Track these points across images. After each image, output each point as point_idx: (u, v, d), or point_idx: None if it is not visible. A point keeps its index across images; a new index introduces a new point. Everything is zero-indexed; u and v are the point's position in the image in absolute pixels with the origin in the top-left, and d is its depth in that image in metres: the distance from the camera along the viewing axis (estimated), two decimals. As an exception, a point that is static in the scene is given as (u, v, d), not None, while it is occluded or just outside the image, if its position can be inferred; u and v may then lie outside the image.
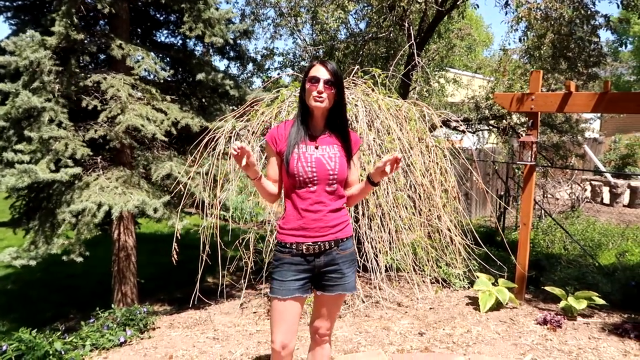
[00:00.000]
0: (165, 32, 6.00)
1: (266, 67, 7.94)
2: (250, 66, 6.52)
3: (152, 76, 5.23)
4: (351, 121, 4.25)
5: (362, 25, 8.01)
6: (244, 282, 4.65)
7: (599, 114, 10.90)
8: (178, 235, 4.32)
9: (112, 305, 4.73)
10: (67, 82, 4.65)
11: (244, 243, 4.70)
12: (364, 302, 4.59)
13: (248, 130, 4.34)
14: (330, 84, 2.12)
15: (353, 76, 4.79)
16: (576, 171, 11.48)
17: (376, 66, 6.16)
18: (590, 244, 8.44)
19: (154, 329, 4.35)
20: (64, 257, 4.75)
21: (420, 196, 4.74)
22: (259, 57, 7.73)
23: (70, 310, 6.57)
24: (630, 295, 4.64)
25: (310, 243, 2.17)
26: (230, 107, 5.60)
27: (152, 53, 5.06)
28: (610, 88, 4.19)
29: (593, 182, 13.36)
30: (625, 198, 12.68)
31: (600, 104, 4.15)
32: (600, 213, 11.64)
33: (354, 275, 2.32)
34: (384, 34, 7.11)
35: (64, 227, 4.73)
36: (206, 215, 4.59)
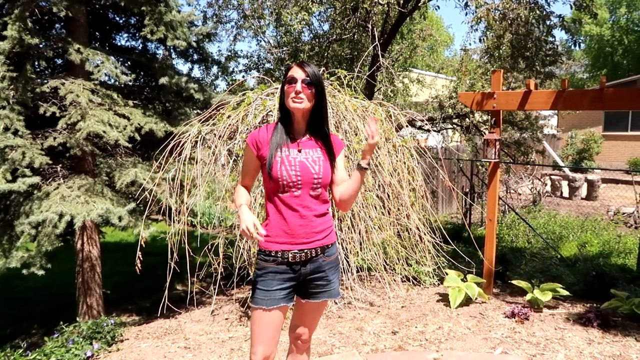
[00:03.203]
0: (125, 35, 5.84)
1: (231, 69, 7.85)
2: (214, 69, 6.43)
3: (113, 81, 5.08)
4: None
5: (326, 27, 8.03)
6: (215, 289, 4.57)
7: (555, 111, 11.30)
8: (143, 243, 4.21)
9: (77, 319, 4.56)
10: (22, 88, 4.46)
11: (213, 249, 4.63)
12: (336, 303, 4.59)
13: (214, 135, 4.27)
14: (308, 84, 2.09)
15: (319, 78, 4.79)
16: (537, 166, 11.83)
17: (341, 67, 6.18)
18: (552, 237, 8.72)
19: (122, 340, 4.22)
20: (24, 271, 4.55)
21: (389, 196, 4.78)
22: (223, 60, 7.64)
23: (33, 325, 6.31)
24: (592, 285, 4.81)
25: (297, 251, 2.11)
26: (196, 111, 5.50)
27: (112, 57, 4.90)
28: (567, 86, 4.34)
29: (553, 177, 13.82)
30: (583, 191, 13.17)
31: (558, 102, 4.29)
32: (561, 206, 12.05)
33: (338, 281, 2.30)
34: (348, 36, 7.15)
35: (23, 239, 4.53)
36: (173, 222, 4.49)
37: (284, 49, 7.65)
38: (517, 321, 4.07)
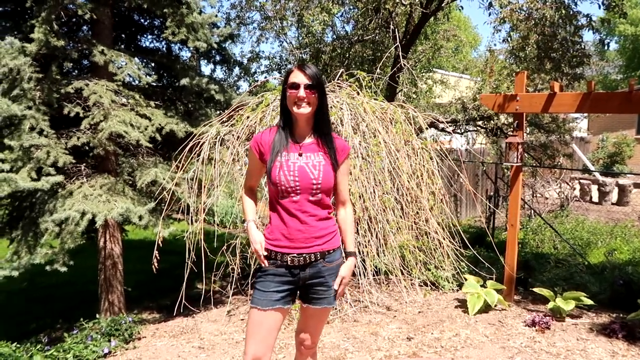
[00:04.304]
0: (149, 37, 5.95)
1: (252, 70, 7.90)
2: (236, 70, 6.48)
3: (136, 82, 5.17)
4: (336, 125, 4.23)
5: (349, 28, 8.01)
6: (231, 289, 4.60)
7: (585, 114, 10.97)
8: (160, 242, 4.28)
9: (98, 315, 4.66)
10: (48, 89, 4.58)
11: (230, 249, 4.66)
12: (352, 306, 4.56)
13: (233, 135, 4.30)
14: (310, 88, 2.07)
15: (338, 79, 4.77)
16: (565, 170, 11.54)
17: (362, 69, 6.16)
18: (579, 243, 8.47)
19: (139, 338, 4.29)
20: (48, 267, 4.67)
21: (407, 199, 4.72)
22: (245, 61, 7.69)
23: (56, 321, 6.48)
24: (618, 294, 4.64)
25: (295, 255, 2.12)
26: (216, 112, 5.55)
27: (135, 58, 4.99)
28: (595, 88, 4.20)
29: (582, 181, 13.45)
30: (614, 196, 12.77)
31: (584, 104, 4.15)
32: (589, 211, 11.71)
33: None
34: (370, 37, 7.10)
35: (47, 236, 4.65)
36: (192, 221, 4.54)
37: (306, 50, 7.65)
38: (537, 330, 3.96)
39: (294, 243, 2.12)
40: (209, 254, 4.41)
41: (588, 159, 16.00)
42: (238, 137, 4.22)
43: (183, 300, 4.35)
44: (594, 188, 13.11)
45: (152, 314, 6.46)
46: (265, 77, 8.20)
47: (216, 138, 4.38)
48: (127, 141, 4.72)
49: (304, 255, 2.13)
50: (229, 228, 7.44)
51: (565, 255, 7.55)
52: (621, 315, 4.25)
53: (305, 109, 2.08)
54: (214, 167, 4.33)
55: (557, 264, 6.71)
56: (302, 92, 2.06)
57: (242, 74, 6.96)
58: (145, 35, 5.91)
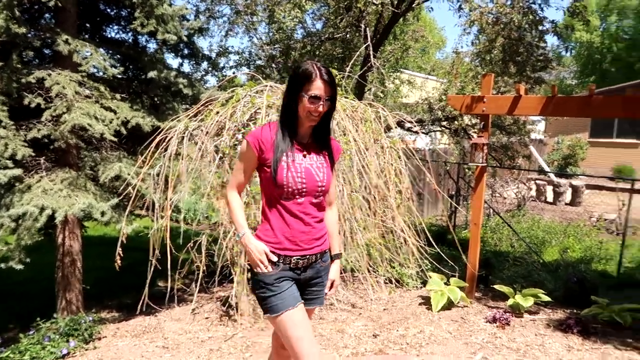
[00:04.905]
0: (115, 27, 5.75)
1: (221, 65, 7.79)
2: (204, 64, 6.36)
3: (101, 73, 4.99)
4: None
5: (319, 25, 8.01)
6: (196, 286, 4.53)
7: (543, 117, 11.39)
8: (124, 239, 4.16)
9: (55, 315, 4.49)
10: (7, 78, 4.37)
11: (196, 246, 4.58)
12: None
13: (202, 131, 4.22)
14: (330, 100, 2.01)
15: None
16: (522, 171, 11.93)
17: (332, 67, 6.17)
18: (535, 241, 8.79)
19: (99, 338, 4.17)
20: (2, 265, 4.47)
21: (375, 197, 4.77)
22: (213, 55, 7.56)
23: (10, 320, 6.20)
24: (573, 292, 4.85)
25: (299, 257, 2.09)
26: (184, 106, 5.44)
27: (101, 49, 4.82)
28: (556, 92, 4.36)
29: (538, 182, 13.95)
30: (568, 196, 13.31)
31: (547, 107, 4.31)
32: (545, 211, 12.16)
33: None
34: (340, 35, 7.13)
35: (3, 232, 4.45)
36: (157, 218, 4.44)
37: (276, 46, 7.60)
38: (498, 326, 4.09)
39: (297, 245, 2.08)
40: (173, 251, 4.33)
41: (544, 160, 16.59)
42: (207, 132, 4.16)
43: (146, 299, 4.26)
44: (549, 189, 13.63)
45: (111, 313, 6.28)
46: (234, 72, 8.09)
47: (184, 133, 4.29)
48: (90, 134, 4.57)
49: (307, 256, 2.11)
50: (192, 225, 7.32)
51: (522, 253, 7.82)
52: (575, 311, 4.45)
53: (316, 121, 2.03)
54: (182, 162, 4.25)
55: (515, 262, 6.96)
56: (320, 107, 1.98)
57: (210, 69, 6.84)
58: (111, 26, 5.72)
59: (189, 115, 4.49)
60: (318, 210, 2.12)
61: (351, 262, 4.81)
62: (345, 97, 4.79)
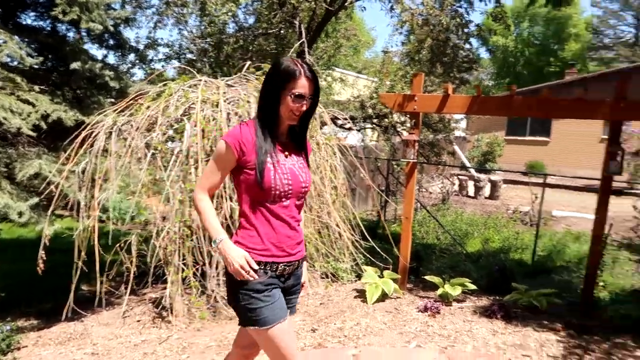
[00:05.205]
0: (32, 14, 5.31)
1: (149, 58, 7.45)
2: (131, 56, 6.06)
3: (16, 63, 4.60)
4: (243, 118, 4.17)
5: (252, 20, 7.90)
6: (126, 289, 4.33)
7: (465, 115, 12.00)
8: (46, 241, 3.89)
9: (-34, 325, 4.11)
10: None
11: (126, 246, 4.38)
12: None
13: (131, 126, 4.04)
14: (312, 98, 1.93)
15: (245, 72, 4.70)
16: (446, 167, 12.53)
17: (266, 62, 6.11)
18: (459, 234, 9.28)
19: (19, 348, 3.87)
20: None
21: (311, 193, 4.81)
22: (141, 47, 7.23)
23: None
24: (495, 280, 5.18)
25: (286, 263, 1.98)
26: (110, 100, 5.16)
27: (16, 37, 4.44)
28: (481, 92, 4.62)
29: (460, 177, 14.71)
30: (487, 191, 14.17)
31: (473, 106, 4.55)
32: (467, 205, 12.86)
33: None
34: (274, 31, 7.09)
35: None
36: (82, 218, 4.19)
37: (208, 39, 7.41)
38: (429, 315, 4.28)
39: (283, 251, 1.97)
40: (101, 252, 4.11)
41: (466, 157, 17.52)
42: (137, 127, 3.98)
43: (71, 304, 4.02)
44: (471, 183, 14.43)
45: (29, 321, 5.83)
46: (163, 66, 7.79)
47: (112, 128, 4.08)
48: (5, 129, 4.20)
49: (292, 263, 2.01)
50: (117, 224, 6.98)
51: (448, 245, 8.23)
52: (498, 298, 4.75)
53: (296, 121, 1.95)
54: (110, 159, 4.04)
55: (441, 254, 7.31)
56: (304, 107, 1.90)
57: (137, 61, 6.53)
58: (26, 12, 5.28)
59: (117, 109, 4.28)
60: (299, 212, 2.03)
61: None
62: (281, 93, 4.77)
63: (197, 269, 4.11)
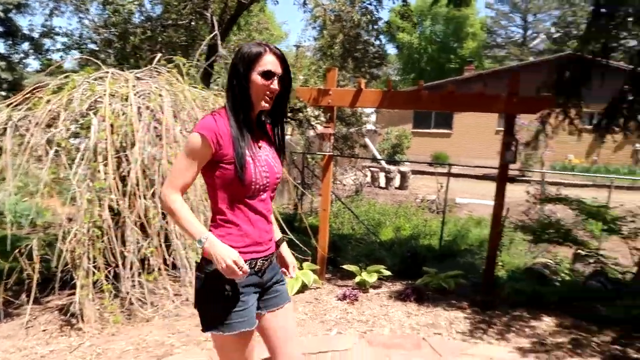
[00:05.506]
0: None
1: (46, 47, 6.87)
2: (25, 45, 5.56)
3: None
4: (155, 112, 4.02)
5: (159, 10, 7.56)
6: (28, 297, 4.01)
7: (375, 109, 12.49)
8: None
9: None
10: None
11: (27, 251, 4.04)
12: (174, 302, 4.42)
13: (30, 122, 3.72)
14: (281, 79, 1.83)
15: (155, 64, 4.52)
16: (359, 159, 12.94)
17: (176, 54, 5.91)
18: (372, 223, 9.64)
19: None
20: None
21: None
22: (36, 36, 6.64)
23: None
24: (408, 265, 5.48)
25: (263, 258, 1.89)
26: (2, 93, 4.71)
27: None
28: (391, 87, 4.84)
29: (372, 169, 15.27)
30: (397, 181, 14.85)
31: (384, 101, 4.76)
32: (379, 195, 13.38)
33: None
34: (184, 22, 6.85)
35: None
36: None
37: (112, 29, 6.98)
38: (348, 302, 4.43)
39: (261, 246, 1.89)
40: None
41: (376, 149, 18.21)
42: (37, 123, 3.68)
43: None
44: (382, 175, 15.03)
45: None
46: (61, 57, 7.23)
47: (7, 124, 3.74)
48: None
49: (268, 257, 1.93)
50: (14, 229, 6.39)
51: (362, 234, 8.52)
52: (411, 282, 5.03)
53: (270, 104, 1.84)
54: (5, 157, 3.70)
55: (357, 243, 7.56)
56: (276, 85, 1.79)
57: (31, 50, 6.00)
58: None
59: (11, 103, 3.92)
60: (272, 204, 1.97)
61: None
62: (195, 87, 4.66)
63: (109, 271, 3.91)
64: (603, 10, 4.68)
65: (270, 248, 1.94)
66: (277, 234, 2.09)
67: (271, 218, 1.95)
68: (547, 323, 4.10)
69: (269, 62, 1.78)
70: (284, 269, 2.11)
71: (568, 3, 27.97)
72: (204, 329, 1.86)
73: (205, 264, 1.82)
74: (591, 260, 5.05)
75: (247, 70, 1.78)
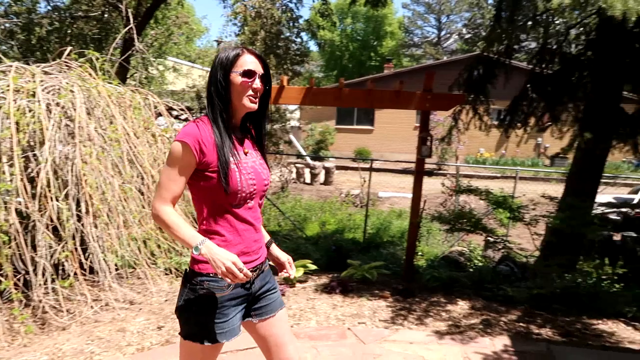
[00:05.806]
0: None
1: None
2: None
3: None
4: (67, 108, 3.80)
5: (67, 0, 7.10)
6: None
7: (298, 106, 12.58)
8: None
9: None
10: None
11: None
12: (92, 307, 4.22)
13: None
14: (263, 79, 1.77)
15: (65, 58, 4.26)
16: (284, 155, 12.99)
17: (88, 48, 5.60)
18: (298, 219, 9.73)
19: None
20: None
21: (149, 187, 4.61)
22: None
23: None
24: (333, 258, 5.62)
25: (252, 268, 1.79)
26: None
27: None
28: (313, 84, 4.92)
29: (297, 165, 15.40)
30: (322, 177, 15.09)
31: (307, 97, 4.83)
32: (304, 191, 13.52)
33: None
34: (96, 14, 6.49)
35: None
36: None
37: (15, 19, 6.45)
38: (275, 298, 4.47)
39: (250, 256, 1.82)
40: None
41: (301, 145, 18.36)
42: None
43: None
44: (307, 171, 15.21)
45: None
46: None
47: None
48: None
49: (258, 266, 1.85)
50: None
51: (289, 230, 8.60)
52: (336, 274, 5.16)
53: (256, 105, 1.77)
54: None
55: (284, 239, 7.61)
56: (258, 83, 1.73)
57: None
58: None
59: None
60: (260, 211, 1.91)
61: (127, 257, 4.57)
62: (110, 83, 4.46)
63: (18, 279, 3.65)
64: (504, 13, 5.06)
65: (260, 257, 1.89)
66: (265, 237, 2.04)
67: (259, 226, 1.91)
68: (461, 306, 4.39)
69: (248, 61, 1.76)
70: (282, 269, 2.08)
71: (477, 6, 29.81)
72: (185, 338, 1.81)
73: (192, 275, 1.78)
74: (500, 247, 5.46)
75: (226, 74, 1.75)
